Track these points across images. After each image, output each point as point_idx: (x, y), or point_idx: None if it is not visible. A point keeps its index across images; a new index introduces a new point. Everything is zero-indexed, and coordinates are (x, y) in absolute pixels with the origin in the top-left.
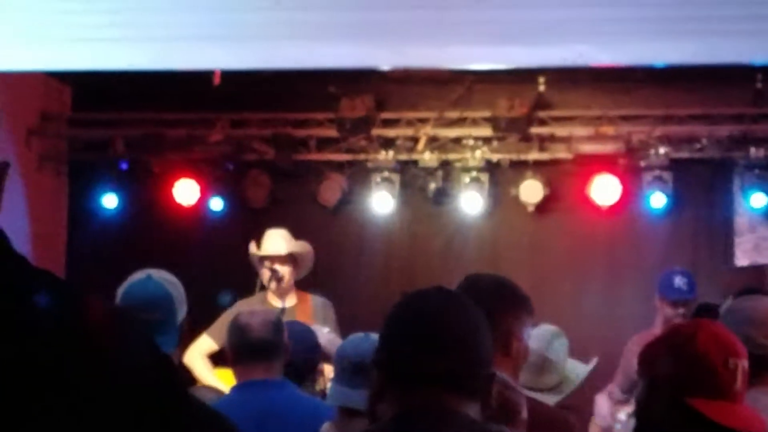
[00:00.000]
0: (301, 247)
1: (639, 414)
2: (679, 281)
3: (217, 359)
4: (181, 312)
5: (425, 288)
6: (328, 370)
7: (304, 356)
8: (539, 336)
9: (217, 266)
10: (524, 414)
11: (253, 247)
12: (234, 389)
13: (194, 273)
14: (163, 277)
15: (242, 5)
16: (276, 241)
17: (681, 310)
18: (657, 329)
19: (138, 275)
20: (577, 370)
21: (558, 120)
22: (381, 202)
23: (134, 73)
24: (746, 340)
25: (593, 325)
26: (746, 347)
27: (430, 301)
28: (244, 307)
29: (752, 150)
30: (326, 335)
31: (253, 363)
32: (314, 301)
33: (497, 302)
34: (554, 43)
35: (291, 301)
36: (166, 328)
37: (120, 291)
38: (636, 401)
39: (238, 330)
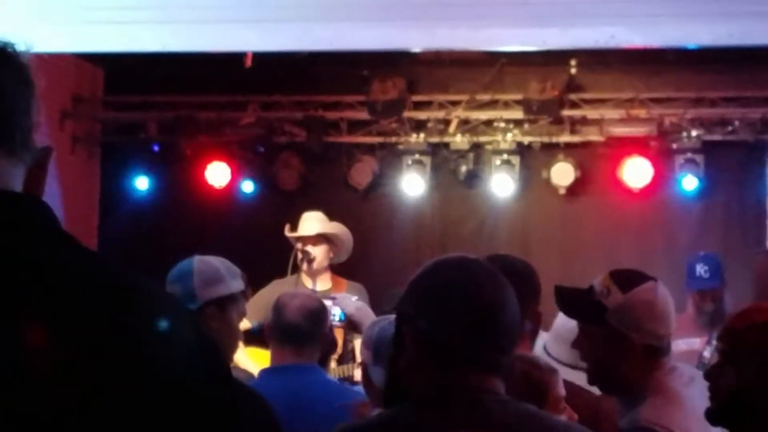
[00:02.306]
0: (335, 228)
1: (754, 400)
2: (700, 269)
3: (248, 338)
4: (212, 289)
5: (462, 260)
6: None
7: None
8: None
9: (248, 248)
10: (558, 390)
11: (287, 229)
12: (263, 373)
13: (225, 255)
14: (203, 258)
15: None
16: (308, 223)
17: (708, 298)
18: (690, 313)
19: (186, 260)
20: None
21: (589, 102)
22: (412, 184)
23: (166, 55)
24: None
25: None
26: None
27: (477, 280)
28: (278, 286)
29: None
30: (354, 303)
31: (283, 345)
32: (349, 286)
33: (533, 287)
34: (586, 25)
35: (325, 284)
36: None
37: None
38: (742, 389)
39: (275, 310)
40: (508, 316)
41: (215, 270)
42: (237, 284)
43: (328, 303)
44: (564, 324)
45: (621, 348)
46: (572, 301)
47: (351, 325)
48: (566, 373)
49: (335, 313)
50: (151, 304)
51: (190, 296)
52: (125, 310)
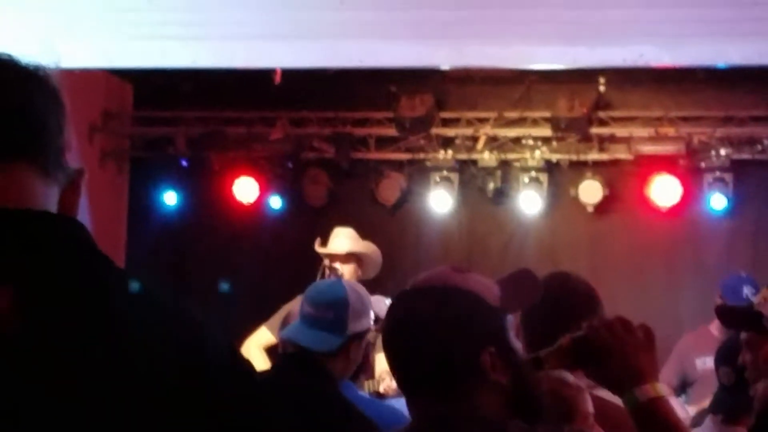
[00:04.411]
0: (365, 247)
1: None
2: (747, 291)
3: (274, 352)
4: (359, 323)
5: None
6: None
7: None
8: None
9: (276, 264)
10: (586, 408)
11: (317, 244)
12: None
13: (252, 270)
14: (352, 285)
15: (305, 4)
16: (338, 240)
17: None
18: (714, 329)
19: (334, 285)
20: None
21: (618, 120)
22: (440, 201)
23: (195, 71)
24: None
25: (652, 326)
26: None
27: (391, 318)
28: None
29: None
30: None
31: None
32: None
33: (587, 310)
34: (615, 44)
35: None
36: (331, 329)
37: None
38: None
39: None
40: (420, 343)
41: (364, 302)
42: (371, 316)
43: None
44: None
45: None
46: (732, 313)
47: None
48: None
49: None
50: (188, 327)
51: (341, 326)
52: (160, 332)
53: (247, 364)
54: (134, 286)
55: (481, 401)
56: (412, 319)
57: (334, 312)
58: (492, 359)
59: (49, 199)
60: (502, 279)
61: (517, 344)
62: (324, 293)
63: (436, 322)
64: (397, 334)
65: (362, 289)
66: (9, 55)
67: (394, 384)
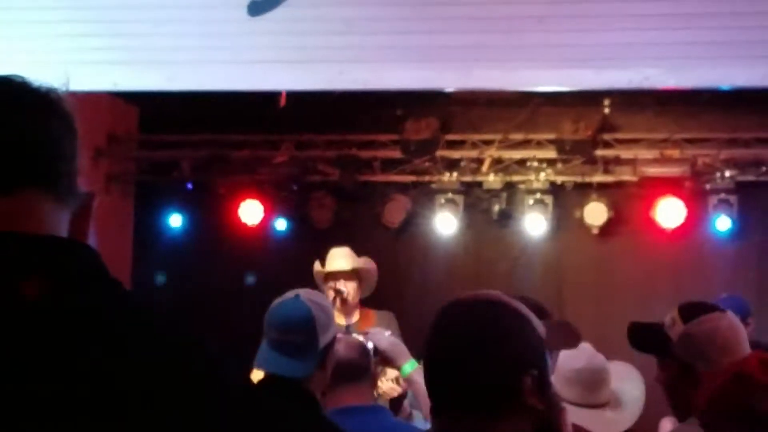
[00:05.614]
0: (364, 263)
1: None
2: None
3: None
4: (327, 334)
5: (450, 305)
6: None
7: None
8: (591, 351)
9: (281, 287)
10: (566, 428)
11: (317, 265)
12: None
13: (258, 293)
14: (311, 298)
15: (311, 29)
16: (340, 258)
17: None
18: None
19: (288, 294)
20: (624, 386)
21: (623, 142)
22: (445, 223)
23: (200, 94)
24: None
25: None
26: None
27: (437, 329)
28: None
29: None
30: (388, 338)
31: (341, 386)
32: (379, 316)
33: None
34: (620, 66)
35: (354, 317)
36: (304, 352)
37: (269, 309)
38: None
39: None
40: (463, 367)
41: (327, 311)
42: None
43: (360, 338)
44: (571, 365)
45: (690, 378)
46: (642, 335)
47: (384, 360)
48: (577, 414)
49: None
50: (201, 355)
51: (314, 346)
52: (176, 360)
53: (261, 394)
54: (145, 310)
55: (513, 424)
56: (462, 330)
57: (304, 334)
58: (533, 382)
59: (61, 224)
60: (544, 321)
61: (552, 381)
62: (289, 315)
63: (488, 334)
64: (443, 342)
65: (320, 297)
66: (23, 78)
67: (384, 387)
